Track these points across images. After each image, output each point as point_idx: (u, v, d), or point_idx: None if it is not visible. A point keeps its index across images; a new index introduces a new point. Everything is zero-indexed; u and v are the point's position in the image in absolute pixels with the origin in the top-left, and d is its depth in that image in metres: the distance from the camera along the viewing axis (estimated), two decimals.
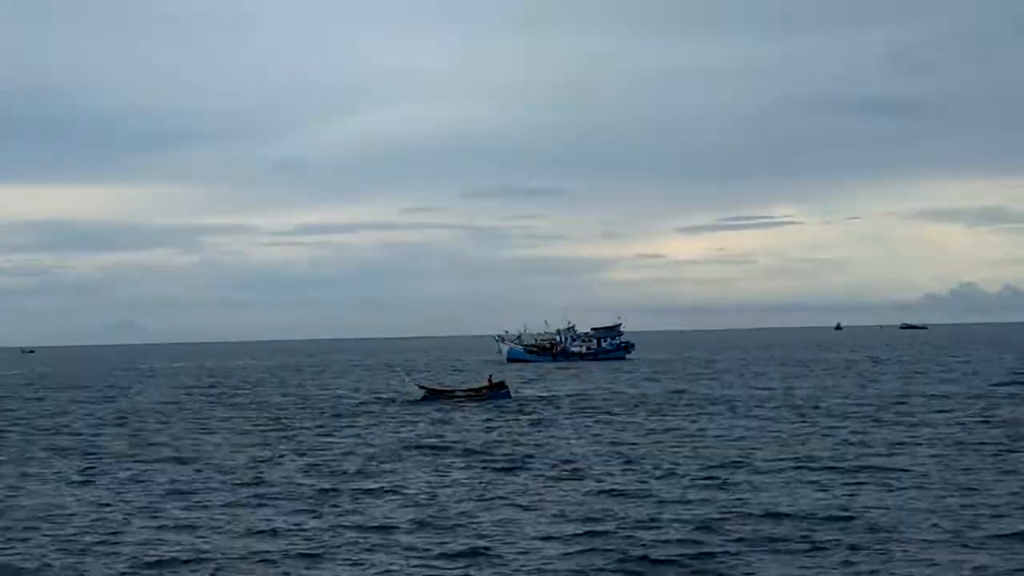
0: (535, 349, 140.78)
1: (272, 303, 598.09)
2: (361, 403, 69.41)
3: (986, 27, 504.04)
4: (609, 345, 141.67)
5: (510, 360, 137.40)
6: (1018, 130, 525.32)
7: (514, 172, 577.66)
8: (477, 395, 69.62)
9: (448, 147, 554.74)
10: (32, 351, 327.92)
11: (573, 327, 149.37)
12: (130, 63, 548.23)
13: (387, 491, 31.34)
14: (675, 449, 39.86)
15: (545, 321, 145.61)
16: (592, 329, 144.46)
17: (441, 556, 22.91)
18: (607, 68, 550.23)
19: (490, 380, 72.52)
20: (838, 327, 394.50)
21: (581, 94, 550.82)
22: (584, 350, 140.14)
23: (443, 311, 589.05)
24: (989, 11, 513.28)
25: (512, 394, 69.52)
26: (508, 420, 53.98)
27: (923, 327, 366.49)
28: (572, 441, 43.63)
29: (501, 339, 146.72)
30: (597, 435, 45.78)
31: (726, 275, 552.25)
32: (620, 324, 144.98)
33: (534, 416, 55.86)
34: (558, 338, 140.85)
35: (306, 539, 24.68)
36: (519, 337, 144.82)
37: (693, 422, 50.59)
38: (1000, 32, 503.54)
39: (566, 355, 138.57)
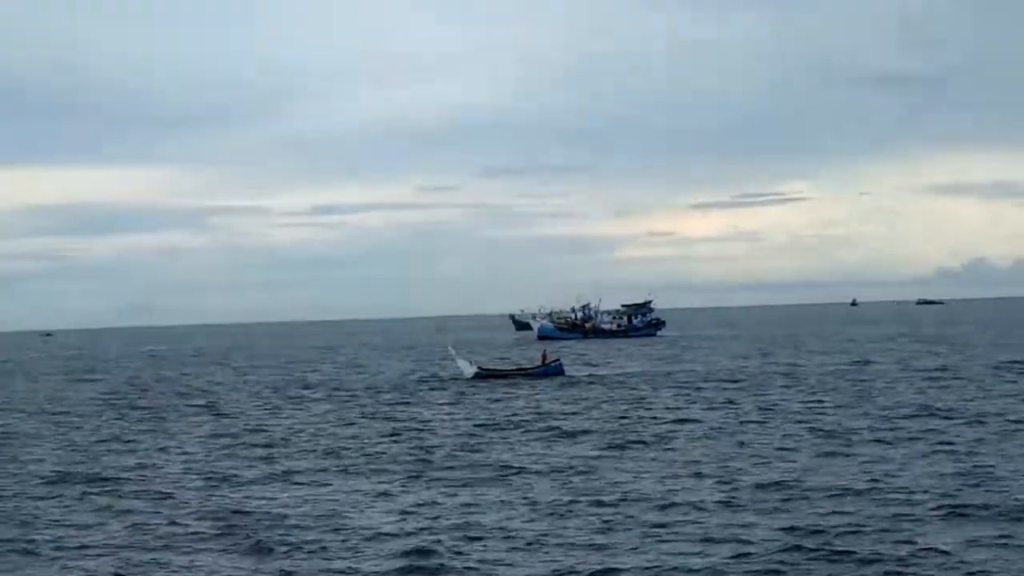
0: (566, 326, 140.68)
1: (287, 284, 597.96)
2: (422, 380, 69.62)
3: None
4: (640, 322, 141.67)
5: (540, 338, 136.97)
6: None
7: (527, 150, 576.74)
8: (530, 373, 69.82)
9: (461, 125, 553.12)
10: (50, 335, 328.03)
11: (587, 305, 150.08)
12: (142, 44, 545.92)
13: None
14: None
15: (577, 298, 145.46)
16: (622, 306, 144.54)
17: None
18: (618, 46, 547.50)
19: (544, 357, 72.38)
20: (854, 303, 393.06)
21: (593, 72, 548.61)
22: (615, 327, 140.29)
23: (457, 290, 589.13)
24: None
25: (566, 371, 69.61)
26: (609, 398, 53.22)
27: (940, 302, 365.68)
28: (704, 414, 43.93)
29: (532, 317, 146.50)
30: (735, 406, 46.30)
31: (738, 252, 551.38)
32: (651, 301, 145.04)
33: (635, 393, 55.60)
34: (575, 315, 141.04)
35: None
36: (550, 314, 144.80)
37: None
38: (1014, 2, 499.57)
39: (597, 332, 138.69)
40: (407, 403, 53.63)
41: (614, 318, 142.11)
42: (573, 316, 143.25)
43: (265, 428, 43.62)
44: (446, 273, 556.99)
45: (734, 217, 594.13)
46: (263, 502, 26.84)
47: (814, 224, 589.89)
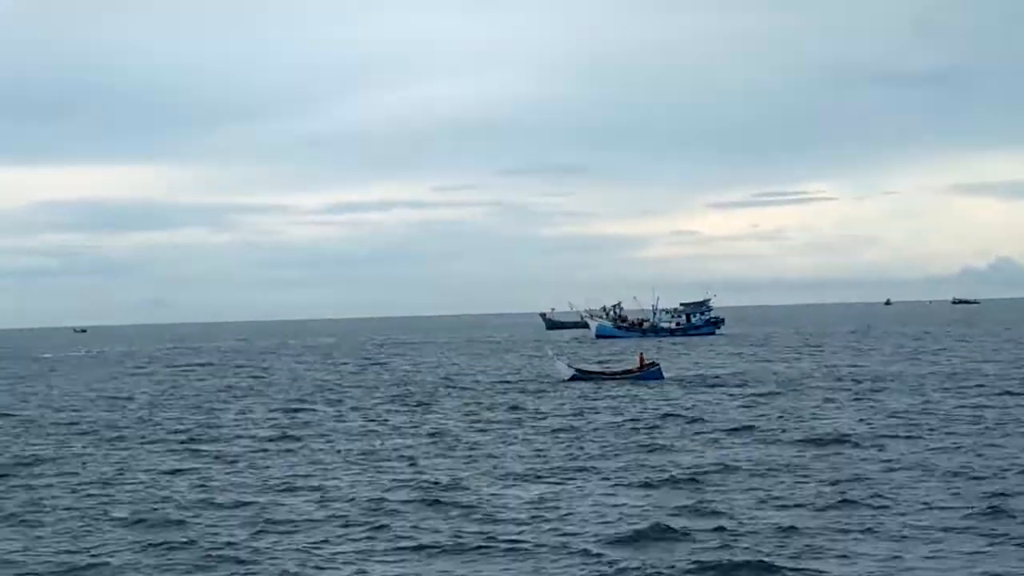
0: (624, 325, 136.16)
1: (306, 282, 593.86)
2: (520, 381, 64.48)
3: None
4: (699, 321, 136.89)
5: (599, 336, 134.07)
6: None
7: (547, 149, 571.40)
8: (628, 375, 64.63)
9: (480, 123, 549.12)
10: (84, 330, 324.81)
11: (618, 304, 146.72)
12: (167, 44, 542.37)
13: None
14: None
15: (635, 297, 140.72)
16: (681, 304, 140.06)
17: None
18: (639, 43, 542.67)
19: (641, 359, 66.92)
20: (888, 303, 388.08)
21: (613, 70, 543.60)
22: (674, 326, 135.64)
23: (478, 289, 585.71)
24: None
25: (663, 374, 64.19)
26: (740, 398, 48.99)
27: (975, 302, 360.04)
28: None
29: (589, 315, 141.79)
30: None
31: (760, 251, 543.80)
32: (710, 299, 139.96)
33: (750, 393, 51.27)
34: (606, 314, 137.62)
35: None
36: (605, 312, 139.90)
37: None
38: None
39: (656, 331, 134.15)
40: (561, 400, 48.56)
41: (673, 316, 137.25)
42: (605, 315, 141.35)
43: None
44: (465, 271, 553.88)
45: (756, 215, 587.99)
46: None
47: (837, 223, 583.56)
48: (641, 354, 69.29)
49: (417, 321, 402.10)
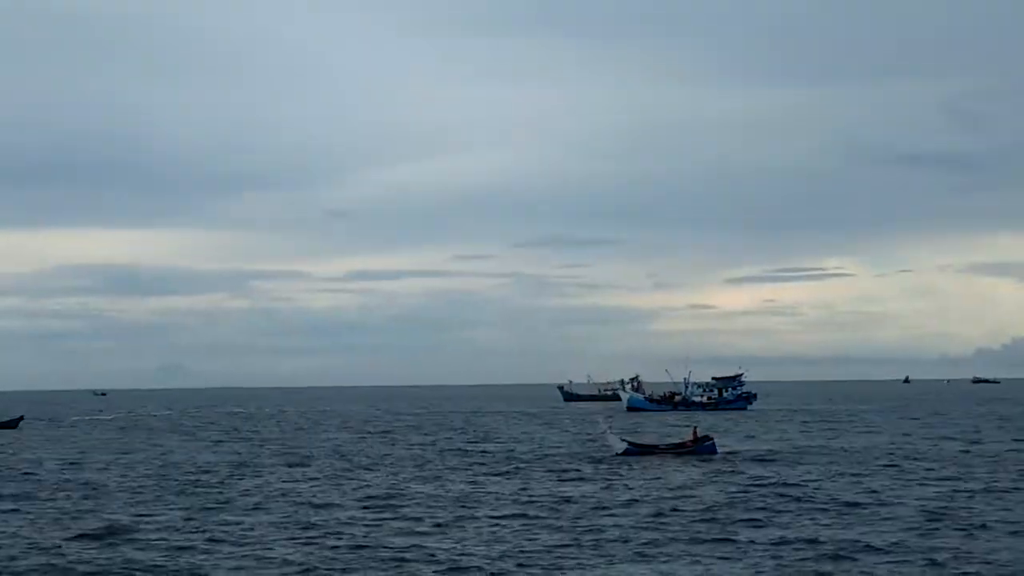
0: (656, 398, 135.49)
1: (322, 349, 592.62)
2: (572, 454, 63.75)
3: None
4: (731, 395, 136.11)
5: (630, 409, 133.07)
6: None
7: (563, 221, 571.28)
8: (682, 449, 64.15)
9: (498, 195, 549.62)
10: (104, 394, 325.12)
11: (636, 378, 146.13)
12: (189, 110, 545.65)
13: None
14: None
15: (666, 370, 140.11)
16: (713, 378, 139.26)
17: None
18: (656, 119, 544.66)
19: (695, 433, 66.39)
20: (907, 380, 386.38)
21: (631, 145, 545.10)
22: (706, 400, 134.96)
23: (492, 360, 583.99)
24: None
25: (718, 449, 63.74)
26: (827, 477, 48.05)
27: (996, 381, 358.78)
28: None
29: (621, 387, 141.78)
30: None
31: (775, 326, 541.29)
32: (742, 374, 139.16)
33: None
34: (622, 387, 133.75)
35: None
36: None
37: None
38: None
39: (687, 405, 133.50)
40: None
41: (704, 391, 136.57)
42: (621, 388, 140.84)
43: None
44: (480, 342, 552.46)
45: (772, 291, 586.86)
46: None
47: (852, 300, 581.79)
48: (695, 428, 68.79)
49: (433, 390, 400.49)
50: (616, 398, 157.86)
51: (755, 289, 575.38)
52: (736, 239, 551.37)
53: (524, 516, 35.97)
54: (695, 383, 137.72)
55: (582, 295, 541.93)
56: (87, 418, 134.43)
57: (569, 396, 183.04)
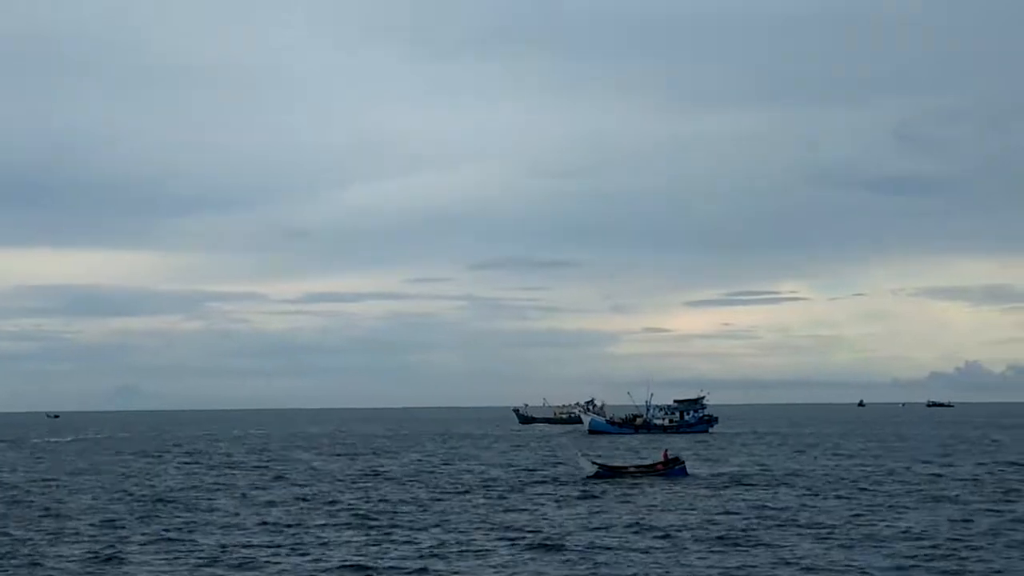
0: (618, 421, 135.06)
1: (279, 371, 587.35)
2: (541, 480, 63.00)
3: (994, 104, 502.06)
4: (692, 418, 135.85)
5: (591, 432, 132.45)
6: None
7: (520, 244, 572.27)
8: (652, 471, 63.72)
9: (455, 217, 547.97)
10: (57, 416, 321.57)
11: (591, 401, 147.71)
12: (142, 132, 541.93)
13: None
14: None
15: (628, 393, 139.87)
16: (675, 401, 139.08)
17: None
18: (614, 142, 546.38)
19: (665, 456, 66.11)
20: (861, 404, 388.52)
21: (590, 167, 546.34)
22: (667, 423, 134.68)
23: (449, 382, 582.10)
24: (997, 88, 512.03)
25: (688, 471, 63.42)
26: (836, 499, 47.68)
27: (950, 405, 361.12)
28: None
29: (584, 410, 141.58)
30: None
31: (731, 350, 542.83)
32: (704, 397, 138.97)
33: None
34: (580, 411, 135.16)
35: None
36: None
37: None
38: (1007, 109, 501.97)
39: (649, 428, 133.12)
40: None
41: (666, 413, 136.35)
42: (584, 411, 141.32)
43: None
44: (436, 364, 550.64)
45: (729, 315, 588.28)
46: None
47: (807, 324, 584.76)
48: (665, 451, 68.43)
49: (385, 413, 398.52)
50: (573, 421, 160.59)
51: (712, 312, 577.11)
52: (694, 261, 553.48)
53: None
54: (656, 406, 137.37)
55: (539, 318, 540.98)
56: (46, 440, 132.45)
57: (525, 419, 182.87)
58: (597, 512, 43.82)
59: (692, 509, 44.60)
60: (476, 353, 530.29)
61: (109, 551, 33.51)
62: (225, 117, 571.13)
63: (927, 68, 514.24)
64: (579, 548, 33.48)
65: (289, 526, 39.39)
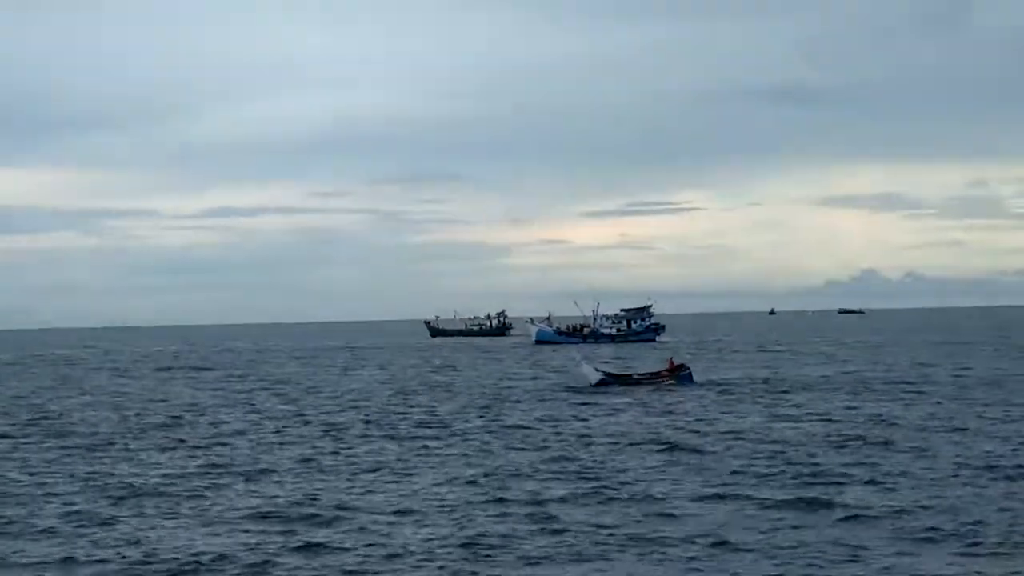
0: (565, 331, 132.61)
1: (177, 288, 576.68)
2: (548, 388, 59.42)
3: (887, 17, 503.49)
4: (639, 327, 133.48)
5: (538, 342, 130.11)
6: (916, 118, 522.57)
7: (420, 158, 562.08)
8: (659, 378, 60.29)
9: (354, 132, 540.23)
10: None
11: (502, 312, 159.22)
12: (35, 45, 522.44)
13: None
14: None
15: (575, 302, 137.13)
16: (622, 310, 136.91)
17: None
18: (512, 55, 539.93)
19: (671, 363, 62.69)
20: (772, 312, 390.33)
21: (487, 81, 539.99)
22: (615, 332, 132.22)
23: (351, 296, 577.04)
24: (890, 2, 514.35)
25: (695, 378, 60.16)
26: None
27: (861, 311, 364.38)
28: None
29: (530, 321, 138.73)
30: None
31: (629, 260, 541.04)
32: (651, 306, 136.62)
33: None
34: (490, 322, 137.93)
35: None
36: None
37: None
38: (900, 22, 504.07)
39: (596, 337, 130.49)
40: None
41: (613, 323, 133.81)
42: (489, 323, 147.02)
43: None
44: (338, 279, 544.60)
45: (626, 225, 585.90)
46: None
47: (704, 234, 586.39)
48: (671, 358, 65.01)
49: (289, 328, 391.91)
50: (484, 333, 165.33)
51: (609, 223, 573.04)
52: (590, 174, 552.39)
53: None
54: (604, 315, 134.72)
55: (439, 230, 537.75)
56: None
57: (436, 331, 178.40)
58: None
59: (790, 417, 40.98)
60: (377, 266, 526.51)
61: None
62: (117, 32, 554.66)
63: None
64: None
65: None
